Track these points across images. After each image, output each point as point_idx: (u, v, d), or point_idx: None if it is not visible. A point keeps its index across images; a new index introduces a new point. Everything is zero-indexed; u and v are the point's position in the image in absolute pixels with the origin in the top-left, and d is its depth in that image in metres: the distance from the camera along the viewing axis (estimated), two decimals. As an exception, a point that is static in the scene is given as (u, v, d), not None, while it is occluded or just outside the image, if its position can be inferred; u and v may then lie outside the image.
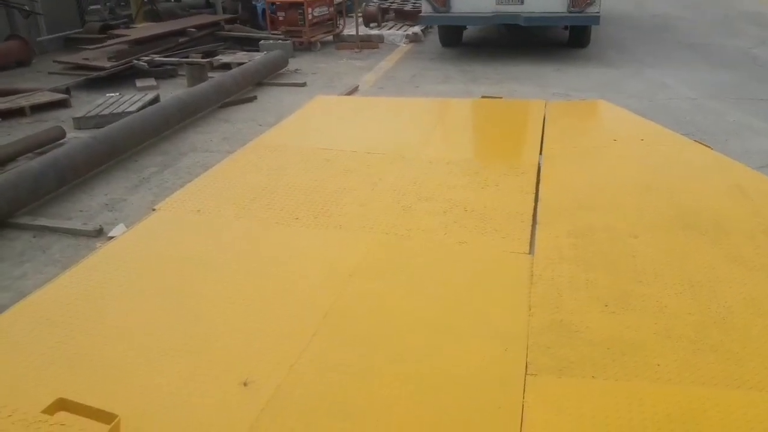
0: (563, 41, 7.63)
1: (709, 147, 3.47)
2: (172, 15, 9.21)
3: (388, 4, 10.12)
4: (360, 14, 9.46)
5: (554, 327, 1.99)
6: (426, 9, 6.81)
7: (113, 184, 3.45)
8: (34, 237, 2.83)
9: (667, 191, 2.95)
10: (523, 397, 1.69)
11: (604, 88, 5.40)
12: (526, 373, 1.77)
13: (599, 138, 3.73)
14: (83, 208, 3.12)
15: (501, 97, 4.89)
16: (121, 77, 6.24)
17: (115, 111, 4.63)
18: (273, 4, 8.18)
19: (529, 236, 2.57)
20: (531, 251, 2.45)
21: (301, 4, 7.70)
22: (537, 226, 2.64)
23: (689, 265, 2.33)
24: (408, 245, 2.57)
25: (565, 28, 7.46)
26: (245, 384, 1.74)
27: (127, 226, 2.84)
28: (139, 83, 6.03)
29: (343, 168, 3.31)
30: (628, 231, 2.57)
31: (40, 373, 1.80)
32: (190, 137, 4.27)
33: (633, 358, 1.84)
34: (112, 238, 2.75)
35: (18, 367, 1.80)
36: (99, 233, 2.82)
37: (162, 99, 5.24)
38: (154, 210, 2.89)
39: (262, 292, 2.21)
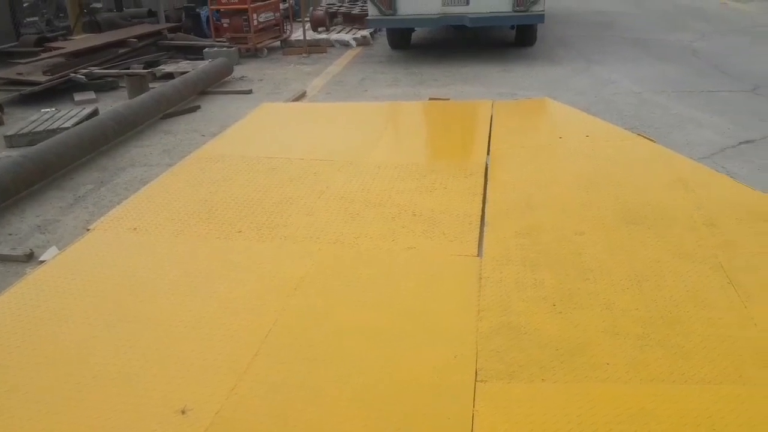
0: (510, 41, 7.70)
1: (653, 140, 3.52)
2: (113, 25, 8.93)
3: (336, 8, 10.06)
4: (307, 19, 9.37)
5: (503, 330, 1.95)
6: (372, 12, 6.77)
7: (46, 204, 3.28)
8: (-41, 264, 2.66)
9: (612, 187, 2.96)
10: (473, 406, 1.65)
11: (551, 86, 5.44)
12: (476, 380, 1.73)
13: (545, 136, 3.74)
14: (13, 232, 2.95)
15: (448, 99, 4.90)
16: (57, 92, 5.99)
17: (49, 127, 4.43)
18: (217, 11, 8.02)
19: (477, 238, 2.54)
20: (479, 254, 2.43)
21: (246, 10, 7.57)
22: (485, 227, 2.62)
23: (635, 260, 2.32)
24: (355, 254, 2.50)
25: (512, 27, 7.53)
26: (183, 412, 1.65)
27: (60, 249, 2.70)
28: (77, 97, 5.80)
29: (289, 177, 3.23)
30: (574, 229, 2.56)
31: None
32: (129, 151, 4.11)
33: (582, 359, 1.82)
34: (43, 262, 2.61)
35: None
36: (29, 258, 2.66)
37: (101, 112, 5.06)
38: (88, 230, 2.76)
39: (201, 313, 2.11)
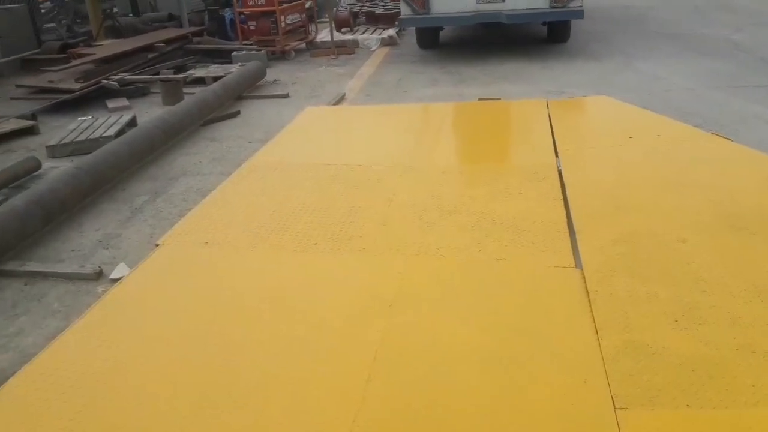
0: (540, 37, 7.55)
1: (729, 139, 3.38)
2: (134, 30, 8.84)
3: (359, 8, 9.93)
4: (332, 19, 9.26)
5: (629, 350, 1.81)
6: (405, 11, 6.64)
7: (103, 217, 3.17)
8: (26, 285, 2.55)
9: (701, 189, 2.81)
10: (621, 437, 1.52)
11: (597, 83, 5.30)
12: (615, 408, 1.60)
13: (613, 136, 3.59)
14: (75, 248, 2.85)
15: (499, 99, 4.76)
16: (89, 99, 5.90)
17: (91, 136, 4.33)
18: (242, 13, 7.92)
19: (570, 248, 2.40)
20: (577, 264, 2.29)
21: (273, 12, 7.45)
22: (576, 235, 2.48)
23: (749, 269, 2.17)
24: (443, 266, 2.37)
25: (543, 23, 7.38)
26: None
27: (129, 266, 2.59)
28: (110, 104, 5.70)
29: (353, 184, 3.10)
30: (674, 235, 2.42)
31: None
32: (177, 160, 4.00)
33: (723, 381, 1.67)
34: (115, 280, 2.50)
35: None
36: (99, 276, 2.55)
37: (139, 119, 4.95)
38: (157, 245, 2.64)
39: (297, 333, 1.98)
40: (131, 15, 10.68)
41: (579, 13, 6.34)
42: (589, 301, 2.04)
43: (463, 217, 2.71)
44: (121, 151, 3.53)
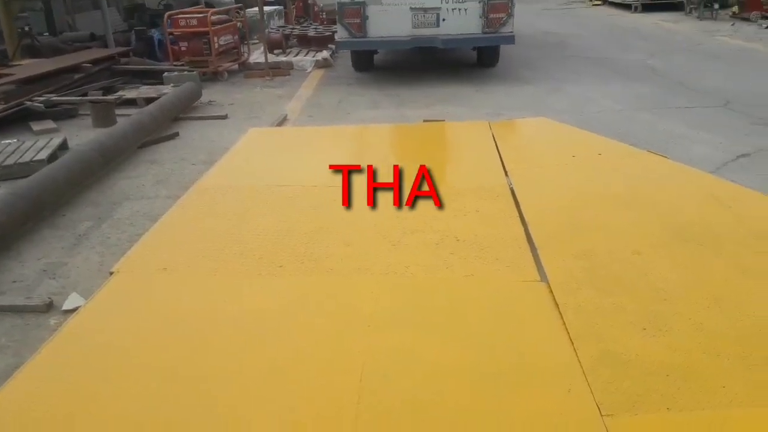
0: (470, 62, 7.81)
1: (665, 156, 3.60)
2: (53, 50, 8.44)
3: (290, 30, 9.92)
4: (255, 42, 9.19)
5: (605, 360, 1.88)
6: (342, 34, 6.69)
7: (44, 245, 2.98)
8: (-35, 319, 2.36)
9: (648, 204, 2.97)
10: (613, 443, 1.57)
11: (531, 106, 5.52)
12: (601, 415, 1.66)
13: (557, 155, 3.74)
14: (16, 278, 2.65)
15: (443, 120, 4.87)
16: (9, 121, 5.56)
17: (20, 160, 4.07)
18: (172, 34, 7.73)
19: (533, 262, 2.48)
20: (542, 278, 2.36)
21: (206, 33, 7.32)
22: (537, 251, 2.56)
23: (703, 279, 2.31)
24: (414, 284, 2.38)
25: (474, 48, 7.63)
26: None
27: (82, 296, 2.44)
28: (35, 127, 5.40)
29: (310, 205, 3.07)
30: (629, 248, 2.53)
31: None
32: (117, 183, 3.83)
33: (696, 384, 1.76)
34: (68, 311, 2.35)
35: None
36: (49, 307, 2.39)
37: (69, 143, 4.72)
38: (111, 273, 2.51)
39: (277, 359, 1.93)
40: (47, 34, 10.19)
41: (510, 39, 6.61)
42: (560, 313, 2.10)
43: (426, 235, 2.73)
44: (58, 175, 3.33)
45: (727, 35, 9.48)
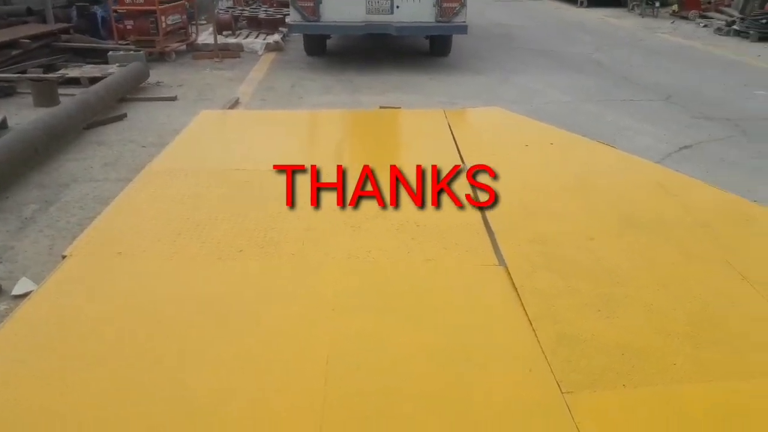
0: (423, 51, 7.85)
1: (614, 147, 3.73)
2: (-14, 25, 7.98)
3: (239, 11, 9.71)
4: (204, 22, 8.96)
5: (563, 340, 1.96)
6: (295, 17, 6.60)
7: (-13, 228, 2.85)
8: None
9: (599, 192, 3.09)
10: (572, 418, 1.64)
11: (482, 95, 5.61)
12: (562, 392, 1.72)
13: (510, 144, 3.83)
14: (-41, 263, 2.54)
15: (399, 107, 4.89)
16: (-59, 98, 5.26)
17: (-45, 139, 3.86)
18: (117, 11, 7.44)
19: (491, 247, 2.54)
20: (500, 262, 2.42)
21: (153, 11, 7.08)
22: (495, 236, 2.62)
23: (652, 263, 2.43)
24: (376, 268, 2.40)
25: (426, 37, 7.68)
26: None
27: (33, 280, 2.35)
28: (-31, 105, 5.12)
29: (267, 189, 3.04)
30: (583, 234, 2.64)
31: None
32: (64, 165, 3.68)
33: (649, 362, 1.86)
34: (19, 296, 2.26)
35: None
36: (-1, 293, 2.30)
37: (9, 122, 4.49)
38: (64, 257, 2.43)
39: (242, 343, 1.92)
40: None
41: (463, 28, 6.68)
42: (519, 296, 2.17)
43: (387, 220, 2.75)
44: (0, 156, 3.18)
45: (667, 32, 9.86)
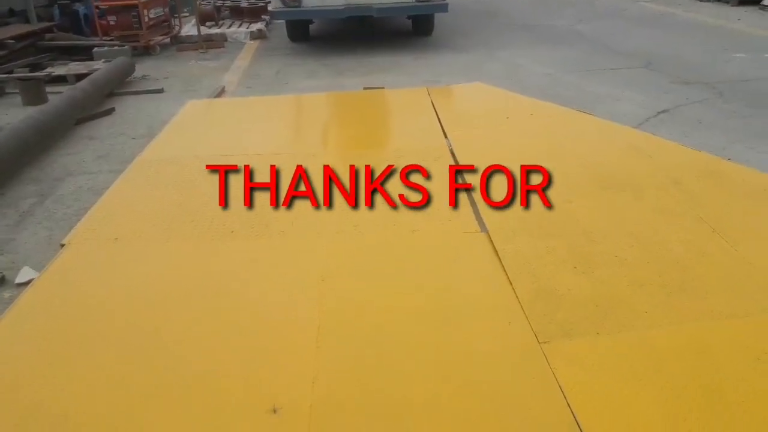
0: (406, 31, 7.89)
1: (592, 114, 3.83)
2: (-31, 26, 7.98)
3: (222, 1, 9.71)
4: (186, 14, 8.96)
5: (541, 295, 2.08)
6: (276, 4, 6.64)
7: (-16, 223, 2.94)
8: None
9: (575, 158, 3.19)
10: (549, 364, 1.75)
11: (467, 72, 5.68)
12: (539, 342, 1.84)
13: (492, 117, 3.93)
14: (-40, 256, 2.62)
15: (383, 87, 4.96)
16: (-70, 101, 5.31)
17: (-52, 140, 3.93)
18: (99, 8, 7.45)
19: (473, 215, 2.65)
20: (482, 229, 2.53)
21: (135, 6, 7.11)
22: (476, 204, 2.73)
23: (626, 220, 2.54)
24: (363, 240, 2.52)
25: (408, 17, 7.72)
26: (275, 411, 1.61)
27: (35, 269, 2.45)
28: (-41, 106, 5.17)
29: (255, 172, 3.14)
30: (561, 197, 2.75)
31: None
32: (57, 160, 3.76)
33: (622, 311, 1.98)
34: (22, 284, 2.36)
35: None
36: (2, 282, 2.39)
37: (0, 121, 4.56)
38: (62, 245, 2.53)
39: (236, 317, 2.03)
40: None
41: (444, 7, 6.73)
42: (499, 258, 2.28)
43: (373, 197, 2.85)
44: (-5, 152, 3.26)
45: (650, 2, 9.90)
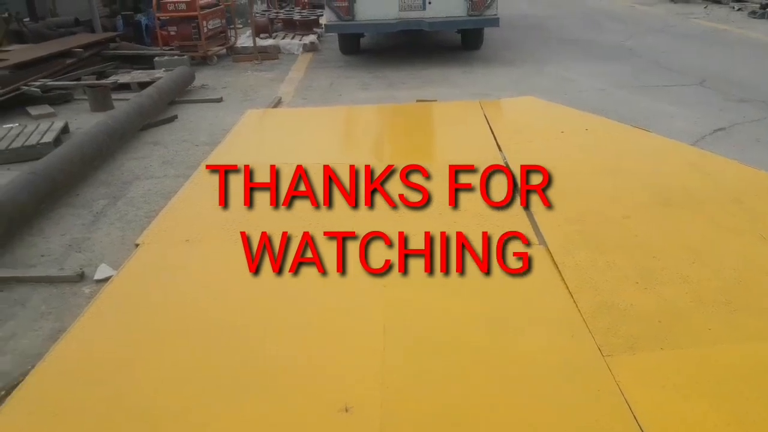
0: (455, 45, 7.97)
1: (648, 130, 3.82)
2: (41, 36, 8.41)
3: (275, 14, 9.97)
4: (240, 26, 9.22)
5: (602, 309, 2.11)
6: (330, 17, 6.81)
7: (64, 223, 3.11)
8: (1, 291, 2.49)
9: (632, 173, 3.21)
10: (614, 378, 1.78)
11: (517, 86, 5.72)
12: (603, 355, 1.87)
13: (546, 131, 3.95)
14: (44, 253, 2.78)
15: (435, 100, 5.04)
16: (4, 106, 5.60)
17: (26, 143, 4.16)
18: (160, 18, 7.76)
19: (532, 228, 2.69)
20: (540, 242, 2.57)
21: (195, 17, 7.38)
22: (534, 216, 2.77)
23: (685, 237, 2.55)
24: (423, 249, 2.58)
25: (458, 32, 7.80)
26: (346, 410, 1.68)
27: (111, 266, 2.59)
28: (33, 111, 5.45)
29: (315, 181, 3.24)
30: (618, 213, 2.77)
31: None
32: (125, 164, 3.95)
33: (685, 327, 1.99)
34: (100, 281, 2.50)
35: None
36: (82, 277, 2.54)
37: (70, 127, 4.80)
38: (137, 245, 2.67)
39: (304, 316, 2.12)
40: (27, 20, 10.09)
41: (495, 21, 6.79)
42: (559, 271, 2.32)
43: (431, 206, 2.93)
44: (72, 155, 3.45)
45: (700, 17, 9.77)
